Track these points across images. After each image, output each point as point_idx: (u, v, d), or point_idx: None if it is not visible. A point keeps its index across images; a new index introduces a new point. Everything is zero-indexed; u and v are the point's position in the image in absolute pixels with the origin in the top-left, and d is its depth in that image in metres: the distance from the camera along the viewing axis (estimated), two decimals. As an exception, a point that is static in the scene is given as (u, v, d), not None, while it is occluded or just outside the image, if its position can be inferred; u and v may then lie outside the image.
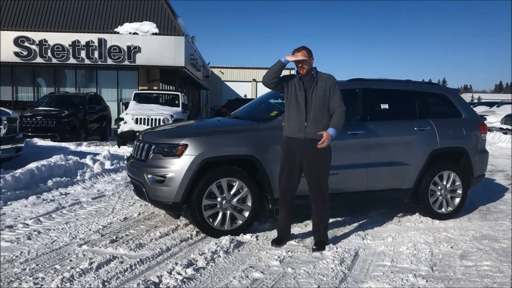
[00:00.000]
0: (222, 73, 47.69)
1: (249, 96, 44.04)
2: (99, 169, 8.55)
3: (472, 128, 5.88)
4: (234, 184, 4.70)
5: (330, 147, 4.29)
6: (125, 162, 6.36)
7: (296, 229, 5.00)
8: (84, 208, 5.86)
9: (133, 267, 3.80)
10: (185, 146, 4.56)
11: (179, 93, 15.20)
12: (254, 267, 3.89)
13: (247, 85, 47.39)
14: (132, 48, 19.73)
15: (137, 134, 12.47)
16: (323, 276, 3.73)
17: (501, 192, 7.49)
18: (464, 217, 5.79)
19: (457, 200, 5.76)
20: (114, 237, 4.60)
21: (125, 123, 12.70)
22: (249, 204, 4.77)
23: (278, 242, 4.48)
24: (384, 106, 5.49)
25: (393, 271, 3.88)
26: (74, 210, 5.73)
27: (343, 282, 3.63)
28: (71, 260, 3.96)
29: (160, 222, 5.25)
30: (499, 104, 25.21)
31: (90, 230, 4.87)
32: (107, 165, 8.93)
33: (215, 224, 4.66)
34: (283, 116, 4.93)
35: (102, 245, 4.35)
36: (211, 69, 42.39)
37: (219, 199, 4.66)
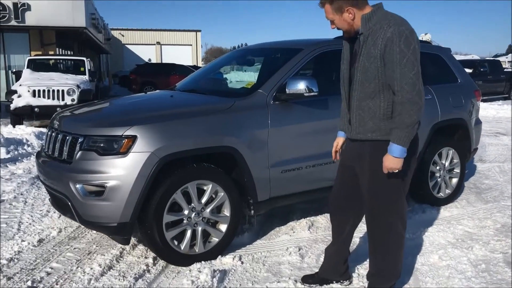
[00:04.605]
0: (123, 35, 44.22)
1: (153, 61, 41.44)
2: (-9, 160, 6.56)
3: (469, 95, 4.98)
4: (205, 188, 3.32)
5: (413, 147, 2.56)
6: (35, 159, 4.62)
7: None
8: (-26, 226, 4.10)
9: None
10: (133, 138, 3.05)
11: (84, 59, 12.94)
12: (263, 320, 2.61)
13: (151, 48, 44.55)
14: (19, 6, 16.54)
15: (36, 109, 10.62)
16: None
17: (468, 163, 6.85)
18: (462, 200, 4.96)
19: (455, 180, 4.90)
20: (29, 281, 3.02)
21: (19, 96, 10.39)
22: (227, 213, 3.43)
23: (314, 282, 3.01)
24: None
25: (449, 302, 2.83)
26: (-41, 232, 3.96)
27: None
28: None
29: (95, 244, 3.72)
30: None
31: (-12, 269, 3.23)
32: (2, 153, 6.92)
33: (182, 248, 3.27)
34: (266, 89, 3.63)
35: (12, 301, 2.79)
36: (111, 31, 38.88)
37: (186, 212, 3.26)
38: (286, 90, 3.52)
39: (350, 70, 2.57)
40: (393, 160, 2.39)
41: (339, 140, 2.86)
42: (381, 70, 2.39)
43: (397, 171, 2.41)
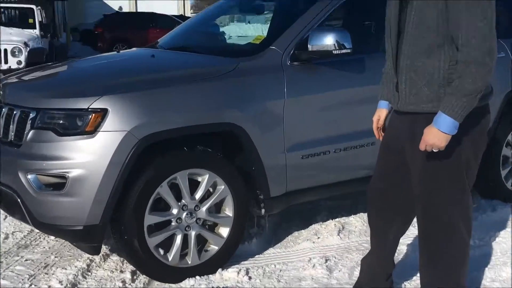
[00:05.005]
0: (85, -25, 44.39)
1: (125, 9, 41.51)
2: None
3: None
4: (200, 179, 3.38)
5: (472, 130, 2.48)
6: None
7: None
8: None
9: None
10: (103, 112, 3.07)
11: (33, 7, 13.09)
12: None
13: (122, -7, 44.71)
14: None
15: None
16: None
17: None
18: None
19: (534, 168, 4.94)
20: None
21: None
22: (229, 213, 3.49)
23: None
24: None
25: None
26: None
27: None
28: None
29: (54, 254, 3.78)
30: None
31: None
32: None
33: (170, 259, 3.33)
34: (281, 45, 3.66)
35: None
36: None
37: (174, 211, 3.31)
38: (309, 46, 3.53)
39: (400, 17, 2.53)
40: (437, 135, 2.33)
41: (381, 112, 2.86)
42: (442, 17, 2.33)
43: (437, 150, 2.37)
